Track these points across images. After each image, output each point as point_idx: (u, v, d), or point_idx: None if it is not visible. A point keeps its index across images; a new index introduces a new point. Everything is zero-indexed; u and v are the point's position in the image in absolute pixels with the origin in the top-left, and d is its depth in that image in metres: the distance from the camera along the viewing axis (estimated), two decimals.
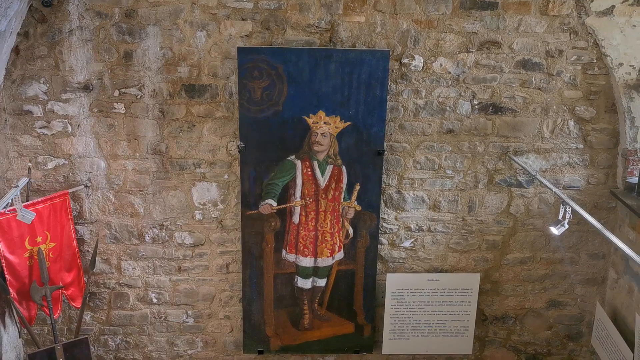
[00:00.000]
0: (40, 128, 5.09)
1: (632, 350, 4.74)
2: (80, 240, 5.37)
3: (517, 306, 5.70)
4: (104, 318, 5.64)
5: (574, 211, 4.27)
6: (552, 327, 5.76)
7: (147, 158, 5.21)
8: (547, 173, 5.29)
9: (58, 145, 5.14)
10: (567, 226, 4.29)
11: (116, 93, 5.03)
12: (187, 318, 5.69)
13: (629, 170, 5.13)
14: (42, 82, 4.98)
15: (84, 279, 5.35)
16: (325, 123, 5.06)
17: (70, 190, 5.14)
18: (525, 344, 5.82)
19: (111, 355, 5.75)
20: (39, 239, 4.94)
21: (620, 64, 4.91)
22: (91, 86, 5.01)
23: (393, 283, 5.49)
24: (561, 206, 4.32)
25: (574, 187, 5.32)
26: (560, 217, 4.31)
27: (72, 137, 5.12)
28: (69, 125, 5.09)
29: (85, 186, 5.22)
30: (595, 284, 5.61)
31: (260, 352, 5.69)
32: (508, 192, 5.38)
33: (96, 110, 5.07)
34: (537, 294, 5.65)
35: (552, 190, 4.58)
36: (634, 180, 5.09)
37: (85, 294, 5.31)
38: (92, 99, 5.04)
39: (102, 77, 4.99)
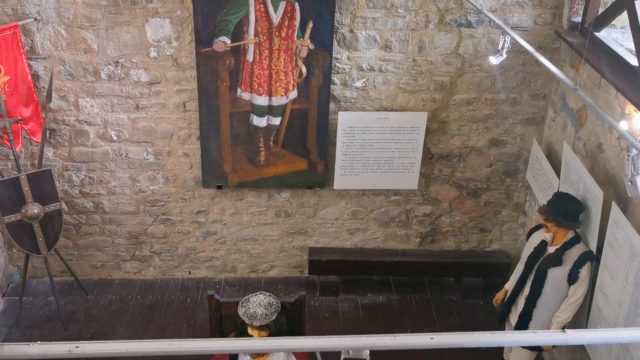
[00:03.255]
0: None
1: (559, 177, 5.17)
2: (35, 76, 5.41)
3: (462, 145, 6.04)
4: (66, 154, 5.83)
5: (520, 51, 4.43)
6: (492, 164, 6.15)
7: None
8: (497, 12, 5.37)
9: None
10: (505, 56, 4.49)
11: None
12: (147, 155, 5.91)
13: (574, 9, 5.25)
14: None
15: (42, 114, 5.45)
16: None
17: (20, 23, 5.09)
18: (467, 180, 6.24)
19: (76, 190, 6.02)
20: None
21: None
22: None
23: (344, 121, 5.73)
24: (501, 37, 4.49)
25: (522, 27, 5.45)
26: (499, 47, 4.50)
27: None
28: None
29: (35, 19, 5.16)
30: (534, 124, 5.94)
31: (219, 187, 6.02)
32: (457, 33, 5.50)
33: None
34: (481, 133, 5.97)
35: (498, 27, 4.72)
36: (579, 19, 5.24)
37: (44, 127, 5.45)
38: None
39: None
